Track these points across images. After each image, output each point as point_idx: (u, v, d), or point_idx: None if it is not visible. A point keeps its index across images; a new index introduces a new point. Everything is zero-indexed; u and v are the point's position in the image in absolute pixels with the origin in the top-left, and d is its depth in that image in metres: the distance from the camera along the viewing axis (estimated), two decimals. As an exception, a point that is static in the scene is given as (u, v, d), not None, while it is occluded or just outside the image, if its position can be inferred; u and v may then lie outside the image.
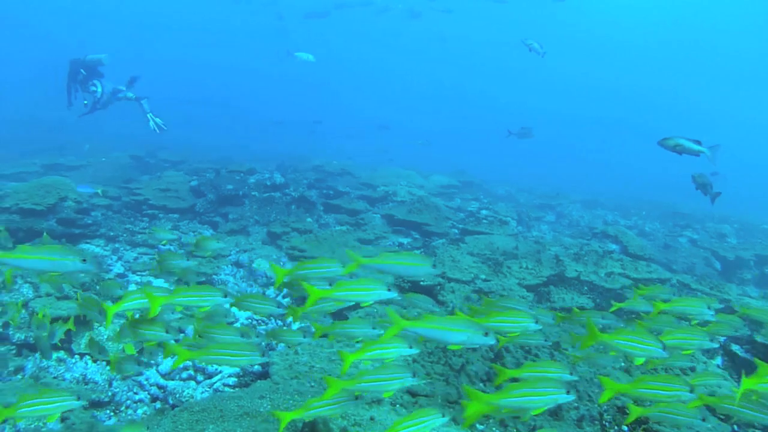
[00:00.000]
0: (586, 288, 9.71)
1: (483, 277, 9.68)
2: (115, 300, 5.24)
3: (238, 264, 10.29)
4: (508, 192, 21.58)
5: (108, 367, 6.77)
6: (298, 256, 10.52)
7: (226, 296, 4.52)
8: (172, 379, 6.68)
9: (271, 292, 9.29)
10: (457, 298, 8.60)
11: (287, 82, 59.97)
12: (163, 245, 10.59)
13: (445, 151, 33.91)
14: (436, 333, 3.98)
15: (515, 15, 48.59)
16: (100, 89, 12.91)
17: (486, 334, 3.95)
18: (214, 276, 9.60)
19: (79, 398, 4.10)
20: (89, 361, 6.87)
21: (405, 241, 12.48)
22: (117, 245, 11.04)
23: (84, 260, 4.07)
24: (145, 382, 6.57)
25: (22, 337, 7.26)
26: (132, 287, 8.96)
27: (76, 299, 6.35)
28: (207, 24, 65.19)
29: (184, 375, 6.70)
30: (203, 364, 6.70)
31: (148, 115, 13.07)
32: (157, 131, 13.26)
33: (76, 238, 10.93)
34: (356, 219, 13.57)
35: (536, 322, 4.32)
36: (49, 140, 22.48)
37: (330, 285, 4.44)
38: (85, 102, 12.96)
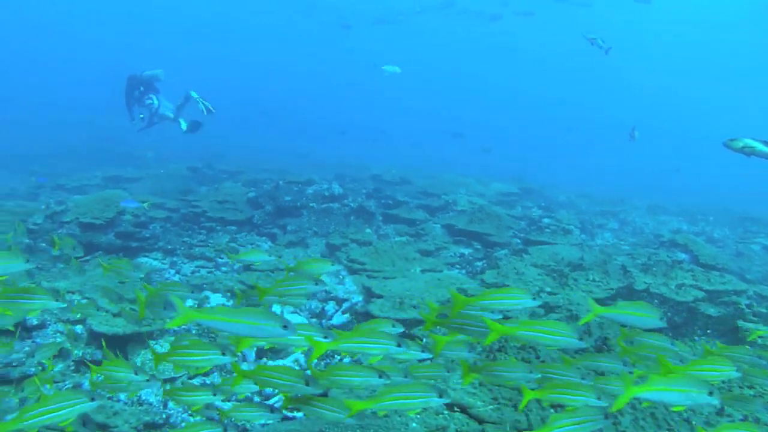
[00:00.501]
0: (656, 301, 9.23)
1: (548, 290, 9.28)
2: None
3: (296, 276, 10.08)
4: (568, 198, 21.01)
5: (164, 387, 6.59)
6: (357, 269, 10.27)
7: (399, 345, 4.05)
8: (229, 401, 6.44)
9: (330, 307, 9.01)
10: (522, 313, 8.23)
11: (352, 90, 60.01)
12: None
13: (504, 157, 33.39)
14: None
15: (599, 18, 47.48)
16: (156, 102, 13.14)
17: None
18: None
19: (93, 399, 3.88)
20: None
21: (466, 251, 12.12)
22: (175, 258, 10.93)
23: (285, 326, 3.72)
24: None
25: (80, 354, 7.15)
26: (189, 302, 8.78)
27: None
28: (270, 32, 65.44)
29: (242, 397, 6.47)
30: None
31: (197, 98, 13.42)
32: (205, 113, 13.44)
33: (134, 251, 10.86)
34: (416, 229, 13.25)
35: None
36: (111, 151, 22.75)
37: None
38: (141, 116, 13.16)
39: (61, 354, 7.19)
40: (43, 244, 10.76)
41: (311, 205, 13.54)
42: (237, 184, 15.53)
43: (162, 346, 7.18)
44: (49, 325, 7.75)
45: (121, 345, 7.18)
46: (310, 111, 48.20)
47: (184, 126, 13.70)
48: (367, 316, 8.10)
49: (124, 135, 14.96)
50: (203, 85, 13.45)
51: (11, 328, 6.53)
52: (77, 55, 60.89)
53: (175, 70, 13.57)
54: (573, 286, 9.51)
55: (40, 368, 6.92)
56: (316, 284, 4.97)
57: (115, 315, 7.51)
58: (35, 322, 7.62)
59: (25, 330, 7.53)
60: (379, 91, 59.75)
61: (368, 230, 13.01)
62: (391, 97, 60.85)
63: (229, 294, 9.18)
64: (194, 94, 13.45)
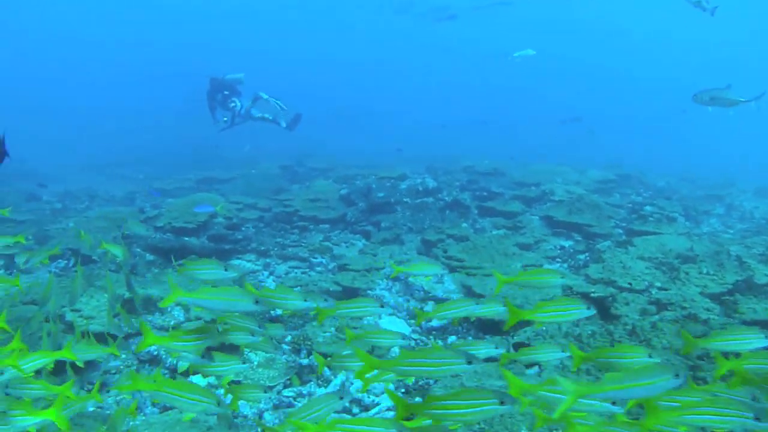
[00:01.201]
0: (783, 298, 8.44)
1: (658, 285, 8.61)
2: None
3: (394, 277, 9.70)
4: (668, 183, 19.93)
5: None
6: (456, 266, 9.83)
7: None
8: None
9: (429, 308, 8.57)
10: (632, 311, 7.60)
11: (448, 83, 59.29)
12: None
13: (601, 142, 32.15)
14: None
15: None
16: (239, 105, 13.25)
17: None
18: (369, 291, 9.03)
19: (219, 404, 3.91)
20: (240, 393, 6.43)
21: (567, 244, 11.53)
22: (268, 260, 10.72)
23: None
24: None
25: (174, 361, 6.95)
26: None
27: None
28: (360, 30, 65.37)
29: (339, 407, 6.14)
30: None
31: (267, 98, 13.54)
32: (278, 108, 13.61)
33: (227, 254, 10.69)
34: (513, 222, 12.70)
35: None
36: (202, 153, 22.94)
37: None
38: (225, 119, 13.31)
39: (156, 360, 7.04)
40: (138, 250, 10.71)
41: (405, 200, 13.16)
42: (328, 181, 15.32)
43: (256, 354, 6.90)
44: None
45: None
46: (401, 107, 47.62)
47: (283, 124, 13.73)
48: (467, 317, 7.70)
49: (214, 137, 14.98)
50: (291, 85, 13.36)
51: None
52: (151, 59, 62.09)
53: (263, 71, 13.67)
54: (685, 280, 8.80)
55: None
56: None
57: (209, 322, 7.28)
58: (131, 330, 7.48)
59: (123, 338, 7.40)
60: (478, 81, 58.94)
61: (464, 224, 12.53)
62: (491, 87, 59.81)
63: (325, 296, 8.87)
64: (264, 95, 13.51)
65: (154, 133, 30.65)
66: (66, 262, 11.17)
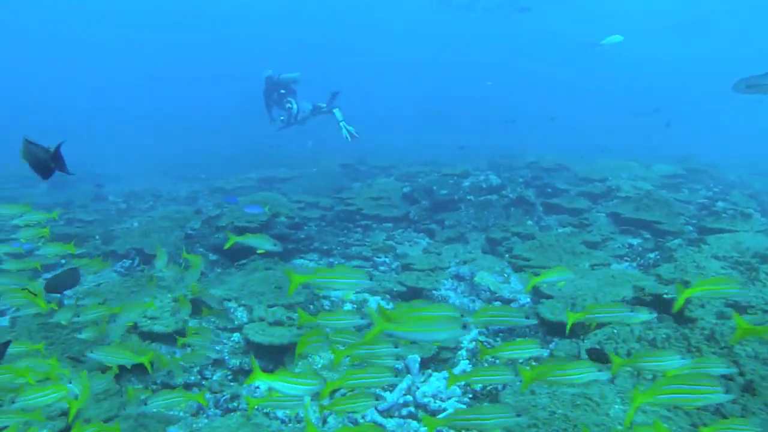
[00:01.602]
0: None
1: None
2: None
3: (458, 277, 9.48)
4: (740, 177, 19.22)
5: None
6: (522, 265, 9.59)
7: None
8: (391, 416, 5.95)
9: None
10: (708, 314, 7.26)
11: (513, 78, 58.73)
12: None
13: (666, 133, 31.17)
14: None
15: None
16: (295, 106, 13.37)
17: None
18: (434, 291, 8.87)
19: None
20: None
21: (635, 242, 11.17)
22: (331, 259, 10.63)
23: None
24: (361, 420, 5.89)
25: (238, 363, 6.90)
26: (348, 306, 8.42)
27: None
28: (415, 27, 65.09)
29: (404, 412, 5.96)
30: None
31: (340, 124, 13.34)
32: (349, 139, 13.34)
33: (290, 253, 10.65)
34: (579, 219, 12.38)
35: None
36: (263, 153, 23.06)
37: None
38: (282, 118, 13.30)
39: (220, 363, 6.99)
40: (201, 250, 10.73)
41: (469, 197, 12.93)
42: (390, 179, 15.19)
43: (321, 357, 6.78)
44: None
45: (278, 355, 6.86)
46: (465, 104, 47.21)
47: (344, 133, 13.68)
48: (537, 318, 7.47)
49: (273, 136, 15.03)
50: (353, 82, 13.31)
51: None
52: (216, 61, 62.81)
53: (328, 70, 13.70)
54: (765, 281, 8.39)
55: (199, 376, 6.74)
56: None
57: (271, 324, 7.21)
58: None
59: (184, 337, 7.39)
60: (544, 76, 58.22)
61: (529, 222, 12.28)
62: (556, 82, 59.08)
63: (388, 297, 8.73)
64: (338, 115, 13.55)
65: (219, 134, 31.06)
66: (131, 261, 11.25)
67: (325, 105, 13.65)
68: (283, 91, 13.66)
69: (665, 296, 7.49)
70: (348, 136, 13.24)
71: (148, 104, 51.78)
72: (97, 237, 12.51)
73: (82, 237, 12.41)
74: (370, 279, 4.42)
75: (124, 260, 11.33)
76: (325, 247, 10.92)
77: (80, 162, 23.04)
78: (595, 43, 18.13)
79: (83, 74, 61.42)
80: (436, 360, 6.72)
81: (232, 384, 6.61)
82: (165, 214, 12.98)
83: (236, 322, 7.61)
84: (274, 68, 14.05)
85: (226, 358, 7.00)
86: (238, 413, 5.93)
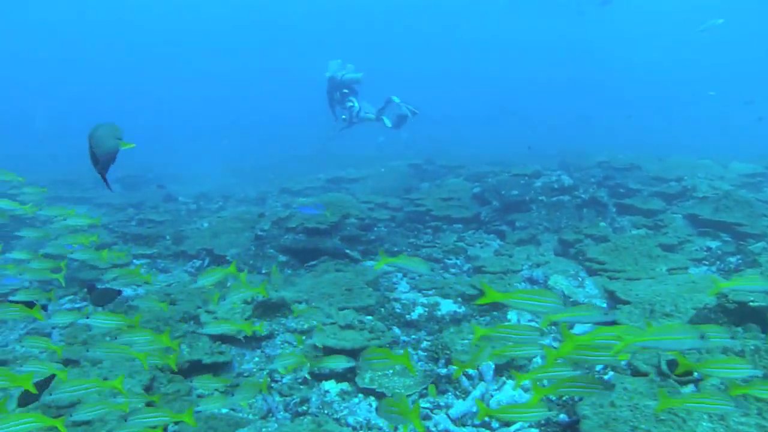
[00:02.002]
0: None
1: (830, 292, 7.84)
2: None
3: (531, 280, 9.27)
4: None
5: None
6: (597, 269, 9.34)
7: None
8: (464, 425, 5.80)
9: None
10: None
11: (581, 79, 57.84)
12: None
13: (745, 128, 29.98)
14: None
15: None
16: (357, 105, 13.40)
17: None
18: (507, 296, 8.69)
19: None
20: (373, 402, 6.20)
21: (713, 244, 10.77)
22: (402, 261, 10.55)
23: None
24: (434, 429, 5.75)
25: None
26: (420, 309, 8.30)
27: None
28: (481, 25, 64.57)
29: (477, 422, 5.81)
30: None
31: (401, 105, 13.47)
32: (410, 116, 13.46)
33: (360, 254, 10.58)
34: (654, 221, 12.01)
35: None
36: (330, 153, 23.09)
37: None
38: (343, 117, 13.36)
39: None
40: (272, 251, 10.75)
41: (540, 198, 12.67)
42: (459, 180, 15.01)
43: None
44: (278, 335, 7.54)
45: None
46: (533, 103, 46.61)
47: (388, 123, 13.63)
48: (612, 325, 7.24)
49: (330, 137, 15.03)
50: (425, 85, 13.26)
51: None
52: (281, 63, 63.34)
53: (387, 75, 13.69)
54: None
55: (269, 379, 6.70)
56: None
57: (343, 327, 7.13)
58: (264, 333, 7.44)
59: (254, 340, 7.38)
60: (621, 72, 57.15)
61: (602, 224, 11.96)
62: (635, 79, 57.86)
63: (460, 300, 8.58)
64: (396, 99, 13.42)
65: (288, 136, 31.29)
66: (201, 262, 11.34)
67: (373, 114, 13.68)
68: (345, 91, 13.73)
69: (751, 304, 7.16)
70: (409, 112, 13.32)
71: (221, 108, 52.64)
72: (167, 237, 12.65)
73: (153, 237, 12.58)
74: (561, 304, 4.06)
75: (195, 260, 11.43)
76: (396, 249, 10.83)
77: (153, 163, 23.48)
78: (704, 28, 17.57)
79: (160, 80, 62.64)
80: (511, 367, 6.55)
81: (302, 387, 6.55)
82: (235, 215, 13.07)
83: (306, 326, 7.56)
84: (339, 66, 14.12)
85: (297, 360, 6.95)
86: (308, 417, 5.87)
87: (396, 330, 7.67)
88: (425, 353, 7.04)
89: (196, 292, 9.08)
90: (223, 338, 7.16)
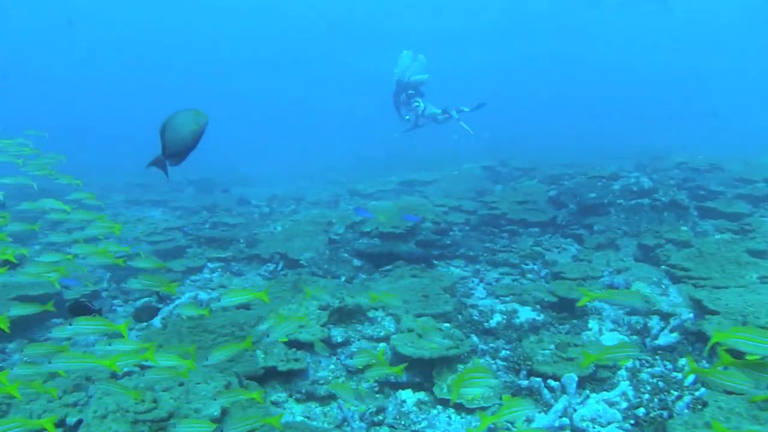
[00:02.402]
0: None
1: None
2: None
3: (612, 287, 8.98)
4: None
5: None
6: (680, 276, 9.01)
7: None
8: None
9: (654, 323, 7.69)
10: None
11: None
12: None
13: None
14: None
15: None
16: (422, 106, 13.32)
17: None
18: (587, 304, 8.43)
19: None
20: (453, 414, 6.07)
21: (805, 250, 10.31)
22: (477, 266, 10.36)
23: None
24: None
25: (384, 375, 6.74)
26: (498, 317, 8.11)
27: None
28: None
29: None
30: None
31: (460, 123, 13.21)
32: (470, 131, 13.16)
33: (436, 259, 10.46)
34: (739, 224, 11.57)
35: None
36: (402, 155, 23.00)
37: None
38: (407, 117, 13.28)
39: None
40: (346, 255, 10.70)
41: (619, 201, 12.32)
42: (534, 182, 14.77)
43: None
44: (354, 341, 7.47)
45: (426, 368, 6.65)
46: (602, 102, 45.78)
47: (465, 125, 13.45)
48: (700, 336, 6.95)
49: (397, 139, 14.93)
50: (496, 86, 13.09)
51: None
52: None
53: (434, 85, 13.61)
54: None
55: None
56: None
57: (420, 335, 7.00)
58: (340, 340, 7.38)
59: (330, 347, 7.33)
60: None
61: (684, 228, 11.58)
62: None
63: (539, 307, 8.37)
64: (454, 113, 13.29)
65: (360, 138, 31.36)
66: (275, 266, 11.36)
67: (455, 113, 13.49)
68: (411, 92, 13.65)
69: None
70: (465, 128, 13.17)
71: (294, 110, 53.19)
72: (241, 240, 12.74)
73: (226, 240, 12.68)
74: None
75: (268, 264, 11.47)
76: (471, 254, 10.67)
77: (225, 166, 23.77)
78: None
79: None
80: (594, 379, 6.35)
81: (378, 396, 6.47)
82: (309, 218, 13.08)
83: (383, 332, 7.47)
84: (410, 58, 14.06)
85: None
86: (385, 428, 5.79)
87: (474, 338, 7.52)
88: (504, 363, 6.88)
89: (270, 298, 9.08)
90: (299, 344, 7.12)
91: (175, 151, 4.49)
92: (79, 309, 7.31)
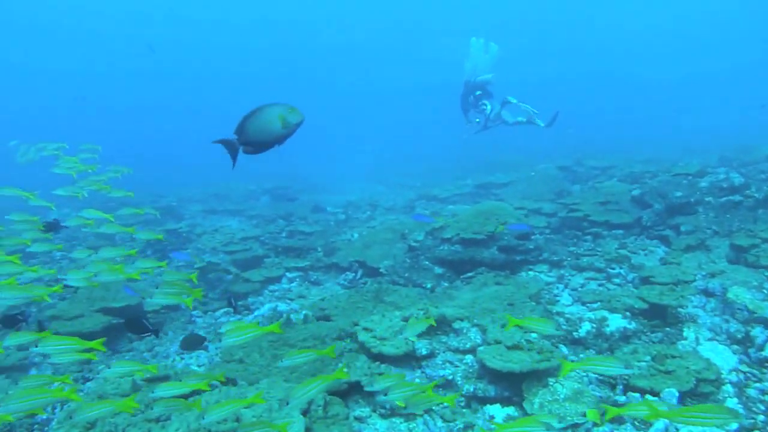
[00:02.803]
0: None
1: None
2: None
3: (707, 293, 8.56)
4: None
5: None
6: (782, 279, 8.53)
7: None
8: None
9: (757, 332, 7.25)
10: None
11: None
12: None
13: None
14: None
15: None
16: (489, 108, 13.05)
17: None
18: (679, 309, 8.05)
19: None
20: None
21: None
22: (562, 271, 10.03)
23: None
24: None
25: (471, 389, 6.51)
26: (587, 326, 7.78)
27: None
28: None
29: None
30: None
31: (520, 106, 13.07)
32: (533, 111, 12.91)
33: (518, 265, 10.17)
34: (844, 221, 10.92)
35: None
36: (476, 158, 22.74)
37: None
38: (477, 120, 13.05)
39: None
40: (427, 263, 10.51)
41: (707, 199, 11.80)
42: (614, 181, 14.32)
43: (562, 385, 6.24)
44: (439, 354, 7.26)
45: (515, 383, 6.39)
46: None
47: (541, 123, 13.12)
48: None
49: (486, 141, 14.68)
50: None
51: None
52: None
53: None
54: None
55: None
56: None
57: (510, 347, 6.75)
58: (425, 352, 7.18)
59: (414, 360, 7.14)
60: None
61: (781, 225, 10.99)
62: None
63: (629, 314, 8.01)
64: (513, 99, 13.01)
65: (432, 141, 31.13)
66: (353, 274, 11.25)
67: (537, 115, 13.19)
68: (478, 93, 13.37)
69: None
70: (528, 109, 12.94)
71: (366, 115, 53.37)
72: (318, 249, 12.67)
73: (304, 249, 12.62)
74: None
75: (347, 273, 11.37)
76: (555, 258, 10.34)
77: (298, 174, 23.83)
78: None
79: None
80: (695, 394, 6.00)
81: (465, 411, 6.25)
82: (386, 225, 12.94)
83: (469, 344, 7.24)
84: (481, 47, 13.84)
85: (459, 382, 6.64)
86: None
87: (563, 348, 7.24)
88: (597, 376, 6.58)
89: (351, 308, 8.96)
90: (383, 357, 6.97)
91: (254, 140, 4.23)
92: (136, 326, 7.44)
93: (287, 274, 11.70)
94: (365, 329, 7.62)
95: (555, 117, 13.11)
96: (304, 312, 9.05)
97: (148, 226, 14.71)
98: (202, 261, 12.05)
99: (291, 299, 10.51)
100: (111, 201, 11.88)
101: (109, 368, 5.56)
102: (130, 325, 7.54)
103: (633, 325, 7.70)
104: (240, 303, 10.62)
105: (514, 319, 5.53)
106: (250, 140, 4.22)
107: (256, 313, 9.83)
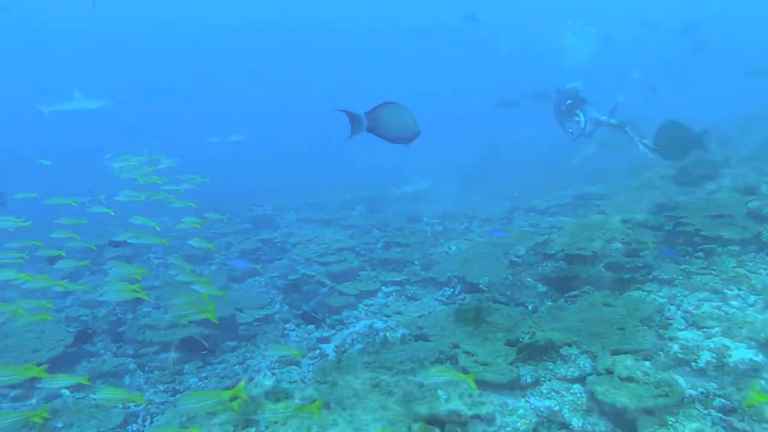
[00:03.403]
0: None
1: None
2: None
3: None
4: None
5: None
6: None
7: None
8: None
9: None
10: None
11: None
12: None
13: None
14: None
15: None
16: (582, 119, 12.19)
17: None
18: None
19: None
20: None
21: None
22: (674, 291, 9.36)
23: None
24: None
25: (580, 424, 6.05)
26: (706, 356, 7.16)
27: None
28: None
29: None
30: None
31: (635, 140, 11.87)
32: (650, 154, 11.78)
33: (626, 284, 9.56)
34: None
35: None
36: (568, 167, 22.00)
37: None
38: (570, 130, 12.46)
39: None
40: (529, 280, 10.05)
41: (838, 210, 10.87)
42: (726, 191, 13.46)
43: (683, 425, 5.68)
44: (544, 382, 6.82)
45: (629, 419, 5.87)
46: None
47: (642, 149, 12.43)
48: None
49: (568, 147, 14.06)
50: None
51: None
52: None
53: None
54: None
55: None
56: None
57: (623, 379, 6.25)
58: (529, 380, 6.76)
59: (519, 387, 6.75)
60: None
61: None
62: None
63: (754, 344, 7.33)
64: (630, 132, 12.32)
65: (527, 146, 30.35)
66: (452, 290, 10.90)
67: (605, 117, 12.46)
68: (569, 102, 12.77)
69: None
70: (647, 150, 11.93)
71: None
72: (416, 262, 12.36)
73: (400, 262, 12.34)
74: None
75: (446, 288, 11.03)
76: (665, 276, 9.68)
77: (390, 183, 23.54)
78: None
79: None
80: None
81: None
82: (487, 240, 12.52)
83: (578, 373, 6.76)
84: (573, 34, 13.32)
85: (567, 415, 6.17)
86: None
87: (680, 380, 6.65)
88: (721, 415, 5.99)
89: (450, 327, 8.61)
90: (484, 384, 6.58)
91: (384, 126, 4.50)
92: (192, 344, 7.47)
93: (383, 288, 11.44)
94: (466, 353, 7.25)
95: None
96: (401, 331, 8.74)
97: (244, 235, 14.96)
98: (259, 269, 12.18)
99: (387, 315, 10.22)
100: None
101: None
102: (185, 343, 7.65)
103: (761, 358, 7.00)
104: (334, 318, 10.41)
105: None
106: (380, 125, 4.51)
107: (351, 329, 9.58)
